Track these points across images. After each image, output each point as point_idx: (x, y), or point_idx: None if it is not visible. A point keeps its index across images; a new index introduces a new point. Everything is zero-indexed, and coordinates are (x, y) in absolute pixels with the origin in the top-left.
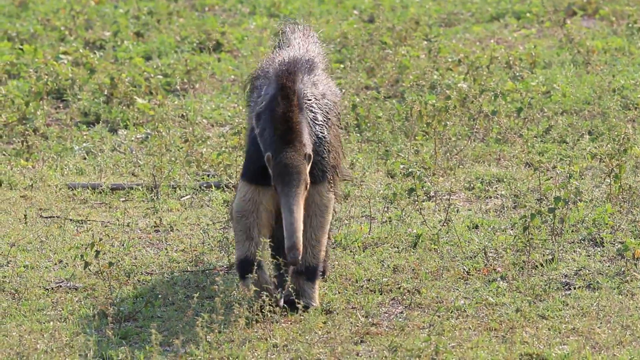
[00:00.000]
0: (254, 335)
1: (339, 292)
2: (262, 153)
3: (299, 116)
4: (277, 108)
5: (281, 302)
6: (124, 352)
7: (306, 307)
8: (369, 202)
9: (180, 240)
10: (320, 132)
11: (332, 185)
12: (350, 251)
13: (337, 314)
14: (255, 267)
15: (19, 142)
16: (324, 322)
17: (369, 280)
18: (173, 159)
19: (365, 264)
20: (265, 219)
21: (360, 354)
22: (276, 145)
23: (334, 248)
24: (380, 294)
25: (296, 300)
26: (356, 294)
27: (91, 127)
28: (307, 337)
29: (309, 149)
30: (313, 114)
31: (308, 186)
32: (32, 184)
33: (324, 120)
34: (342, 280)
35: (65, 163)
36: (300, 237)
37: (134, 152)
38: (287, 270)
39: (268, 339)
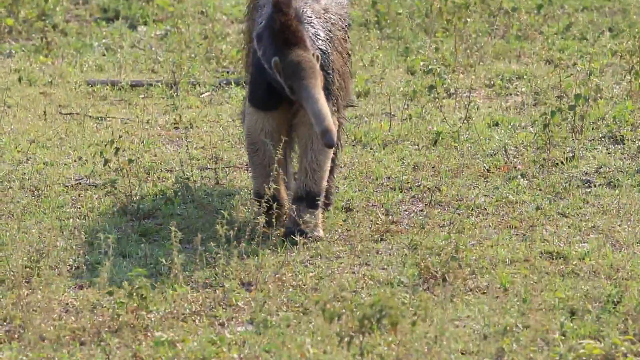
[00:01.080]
0: (273, 233)
1: (358, 190)
2: (266, 75)
3: (298, 25)
4: (275, 23)
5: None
6: (144, 250)
7: (305, 235)
8: (388, 99)
9: (200, 137)
10: (323, 48)
11: (337, 108)
12: (370, 149)
13: (357, 211)
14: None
15: (38, 38)
16: (344, 220)
17: (389, 177)
18: (192, 55)
19: (385, 162)
20: (279, 148)
21: (380, 252)
22: (281, 49)
23: (353, 146)
24: (400, 192)
25: (296, 230)
26: (376, 191)
27: (110, 24)
28: (326, 235)
29: (316, 51)
30: (314, 30)
31: (323, 81)
32: (51, 81)
33: (327, 37)
34: (361, 177)
35: (84, 59)
36: (330, 119)
37: (153, 49)
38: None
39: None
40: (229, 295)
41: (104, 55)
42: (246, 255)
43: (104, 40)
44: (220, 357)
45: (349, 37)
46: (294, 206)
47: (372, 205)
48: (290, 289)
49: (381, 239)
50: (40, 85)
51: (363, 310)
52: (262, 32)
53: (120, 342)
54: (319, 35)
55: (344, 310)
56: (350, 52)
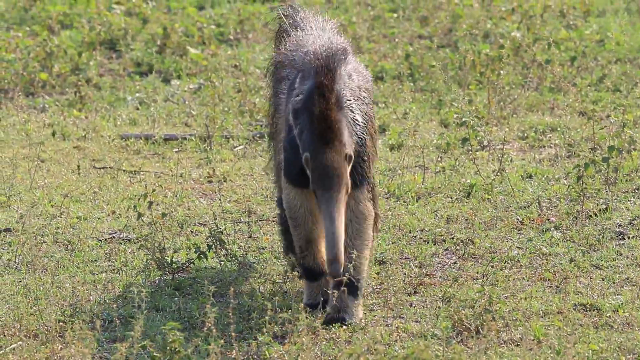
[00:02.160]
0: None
1: (392, 243)
2: (301, 154)
3: (338, 114)
4: (315, 107)
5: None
6: (177, 303)
7: (344, 322)
8: (422, 151)
9: (233, 190)
10: (361, 133)
11: (372, 198)
12: (404, 201)
13: (390, 264)
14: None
15: (72, 92)
16: (377, 273)
17: (422, 230)
18: (226, 109)
19: (418, 214)
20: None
21: (413, 305)
22: (314, 145)
23: (387, 198)
24: (434, 244)
25: (337, 317)
26: (409, 244)
27: (144, 77)
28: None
29: (349, 149)
30: (352, 114)
31: (349, 190)
32: (85, 135)
33: (364, 121)
34: (395, 230)
35: (118, 113)
36: (342, 248)
37: (186, 103)
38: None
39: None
40: (263, 348)
41: (138, 109)
42: (279, 308)
43: (137, 94)
44: None
45: (373, 111)
46: (335, 292)
47: (406, 258)
48: (324, 342)
49: (414, 292)
50: (73, 140)
51: None
52: (299, 109)
53: None
54: (357, 120)
55: None
56: (376, 130)
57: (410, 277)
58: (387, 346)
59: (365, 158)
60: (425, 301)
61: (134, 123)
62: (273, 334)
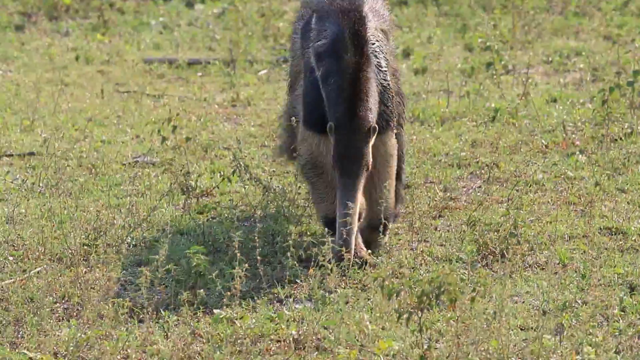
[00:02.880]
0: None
1: (417, 167)
2: (323, 99)
3: (368, 74)
4: (346, 63)
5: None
6: (201, 227)
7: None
8: (446, 76)
9: (258, 114)
10: (384, 80)
11: (395, 124)
12: (428, 125)
13: (415, 188)
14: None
15: (95, 16)
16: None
17: (447, 154)
18: (250, 33)
19: (443, 139)
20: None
21: (438, 229)
22: (340, 114)
23: (411, 122)
24: (459, 168)
25: (368, 253)
26: (434, 168)
27: (168, 2)
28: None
29: (373, 119)
30: (377, 60)
31: (369, 167)
32: (108, 59)
33: (387, 65)
34: (420, 154)
35: (141, 37)
36: (352, 237)
37: (210, 27)
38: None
39: None
40: (287, 272)
41: (161, 33)
42: (305, 233)
43: (161, 19)
44: (278, 334)
45: (394, 50)
46: (367, 233)
47: (430, 182)
48: (349, 265)
49: (439, 216)
50: (97, 64)
51: (422, 287)
52: (324, 51)
53: (179, 320)
54: (381, 65)
55: (402, 287)
56: (397, 67)
57: (435, 200)
58: (412, 270)
59: (390, 104)
60: (450, 225)
61: (158, 47)
62: (298, 257)
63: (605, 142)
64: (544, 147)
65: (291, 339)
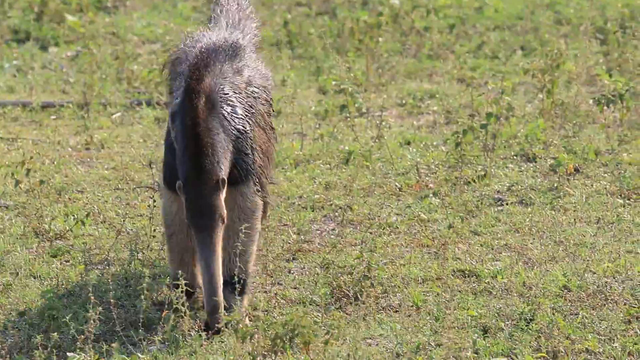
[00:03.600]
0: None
1: (270, 209)
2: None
3: (209, 123)
4: (186, 117)
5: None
6: (55, 271)
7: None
8: (300, 119)
9: (111, 157)
10: (242, 127)
11: (260, 188)
12: (282, 168)
13: (269, 230)
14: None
15: None
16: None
17: (300, 197)
18: (104, 76)
19: (297, 181)
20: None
21: (292, 271)
22: (187, 171)
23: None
24: (312, 211)
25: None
26: (288, 210)
27: (21, 45)
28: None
29: (223, 171)
30: (231, 108)
31: (225, 220)
32: None
33: (247, 114)
34: (274, 197)
35: None
36: (221, 296)
37: (64, 70)
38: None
39: None
40: (141, 315)
41: (15, 76)
42: (159, 276)
43: (14, 62)
44: None
45: (273, 111)
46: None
47: (284, 225)
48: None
49: (293, 258)
50: None
51: (275, 330)
52: (175, 112)
53: None
54: (236, 112)
55: (256, 330)
56: (273, 127)
57: (289, 243)
58: (266, 312)
59: (248, 152)
60: (304, 268)
61: (12, 90)
62: (152, 300)
63: (459, 184)
64: (397, 189)
65: None
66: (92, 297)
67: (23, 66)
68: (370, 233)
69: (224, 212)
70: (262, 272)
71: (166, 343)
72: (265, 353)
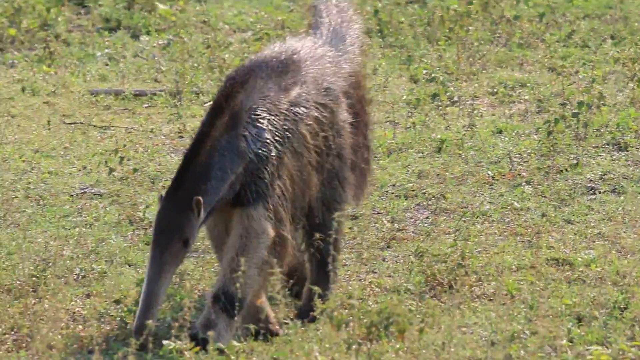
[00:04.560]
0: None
1: (364, 198)
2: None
3: (218, 142)
4: (199, 129)
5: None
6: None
7: (205, 344)
8: (392, 107)
9: None
10: (261, 151)
11: (276, 218)
12: (375, 156)
13: (363, 219)
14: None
15: (40, 48)
16: (350, 228)
17: (394, 185)
18: (195, 64)
19: (390, 170)
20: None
21: (386, 259)
22: (171, 184)
23: None
24: (406, 199)
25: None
26: (381, 199)
27: (113, 33)
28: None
29: (209, 195)
30: (257, 130)
31: (189, 246)
32: (54, 90)
33: (278, 137)
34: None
35: (87, 69)
36: (152, 318)
37: (156, 58)
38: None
39: None
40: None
41: (107, 65)
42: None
43: (106, 50)
44: None
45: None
46: (209, 303)
47: (378, 213)
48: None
49: (387, 247)
50: (43, 95)
51: (370, 318)
52: None
53: (128, 351)
54: (260, 136)
55: (351, 318)
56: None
57: (383, 232)
58: (361, 301)
59: (266, 177)
60: (398, 256)
61: (104, 79)
62: None
63: (551, 173)
64: (490, 178)
65: None
66: (188, 284)
67: (115, 54)
68: (464, 221)
69: (189, 237)
70: (357, 261)
71: (262, 331)
72: (361, 341)
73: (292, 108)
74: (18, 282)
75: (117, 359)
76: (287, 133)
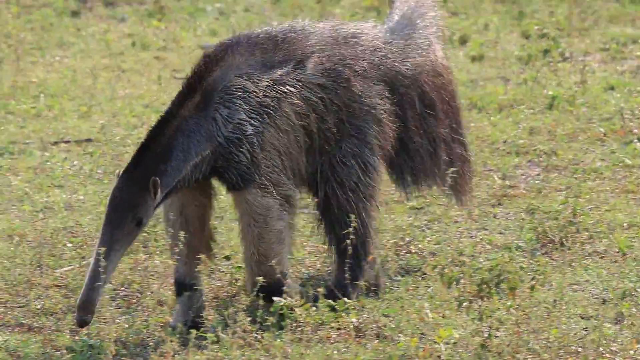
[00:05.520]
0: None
1: (475, 155)
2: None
3: (184, 124)
4: (167, 108)
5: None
6: None
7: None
8: (503, 63)
9: None
10: (233, 133)
11: (272, 185)
12: (486, 113)
13: (474, 176)
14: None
15: (151, 2)
16: None
17: (505, 142)
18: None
19: (501, 126)
20: (195, 229)
21: (497, 216)
22: (129, 161)
23: (469, 110)
24: (517, 156)
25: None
26: (492, 155)
27: None
28: (444, 200)
29: (169, 176)
30: (228, 111)
31: (143, 225)
32: (165, 45)
33: (251, 116)
34: (478, 142)
35: (197, 24)
36: (95, 297)
37: (266, 13)
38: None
39: None
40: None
41: (217, 19)
42: None
43: (217, 5)
44: (339, 322)
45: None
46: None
47: (489, 170)
48: (408, 254)
49: (498, 203)
50: (153, 50)
51: (481, 275)
52: None
53: (238, 307)
54: (232, 117)
55: (462, 275)
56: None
57: (494, 188)
58: (472, 258)
59: (243, 157)
60: (509, 213)
61: (214, 33)
62: None
63: None
64: (602, 135)
65: (351, 326)
66: (297, 241)
67: (225, 9)
68: (575, 178)
69: (143, 215)
70: (468, 218)
71: (372, 288)
72: (472, 298)
73: (274, 86)
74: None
75: (228, 314)
76: (266, 109)
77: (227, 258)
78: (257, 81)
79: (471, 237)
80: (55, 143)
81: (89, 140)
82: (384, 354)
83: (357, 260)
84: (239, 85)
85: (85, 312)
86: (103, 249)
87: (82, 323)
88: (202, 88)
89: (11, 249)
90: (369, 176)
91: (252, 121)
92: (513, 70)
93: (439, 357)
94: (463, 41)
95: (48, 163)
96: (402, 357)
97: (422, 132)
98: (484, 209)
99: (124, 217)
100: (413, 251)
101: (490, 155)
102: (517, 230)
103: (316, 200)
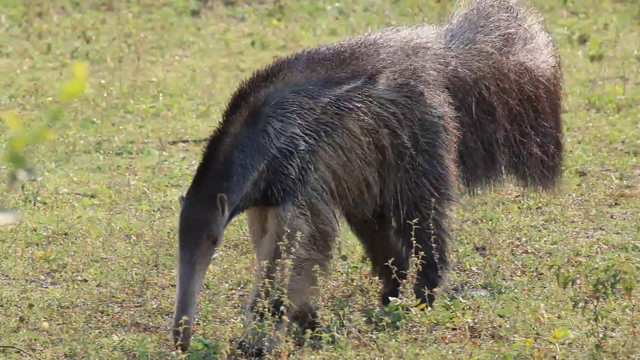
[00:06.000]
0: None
1: (592, 154)
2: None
3: (237, 139)
4: (219, 125)
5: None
6: None
7: (260, 355)
8: (622, 63)
9: None
10: (286, 145)
11: (311, 212)
12: (604, 112)
13: (591, 176)
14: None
15: (271, 1)
16: (578, 185)
17: (623, 142)
18: (426, 19)
19: (619, 126)
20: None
21: (614, 216)
22: (191, 183)
23: (587, 109)
24: (635, 156)
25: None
26: (610, 155)
27: None
28: (561, 200)
29: (233, 192)
30: (282, 125)
31: (218, 242)
32: (284, 45)
33: (307, 132)
34: (595, 142)
35: (317, 23)
36: (190, 320)
37: (386, 12)
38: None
39: None
40: (463, 259)
41: (337, 18)
42: (480, 219)
43: (337, 4)
44: (454, 322)
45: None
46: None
47: (607, 170)
48: (524, 254)
49: (615, 204)
50: (273, 49)
51: (597, 275)
52: None
53: (353, 307)
54: (286, 130)
55: (578, 275)
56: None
57: (611, 188)
58: (588, 258)
59: (292, 172)
60: (627, 213)
61: (334, 33)
62: (473, 244)
63: None
64: None
65: (467, 326)
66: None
67: (345, 8)
68: None
69: (216, 233)
70: (584, 218)
71: (488, 288)
72: (587, 298)
73: (337, 102)
74: (245, 237)
75: (343, 314)
76: (324, 127)
77: (344, 258)
78: (317, 97)
79: (588, 237)
80: (174, 142)
81: (207, 139)
82: (498, 354)
83: (434, 271)
84: (294, 101)
85: (181, 336)
86: (187, 270)
87: (182, 348)
88: (249, 104)
89: (128, 248)
90: (443, 190)
91: (307, 138)
92: (632, 70)
93: (554, 357)
94: (582, 41)
95: (166, 162)
96: (517, 358)
97: (475, 137)
98: (601, 209)
99: (199, 236)
100: (529, 251)
101: (608, 155)
102: (634, 231)
103: (393, 215)
